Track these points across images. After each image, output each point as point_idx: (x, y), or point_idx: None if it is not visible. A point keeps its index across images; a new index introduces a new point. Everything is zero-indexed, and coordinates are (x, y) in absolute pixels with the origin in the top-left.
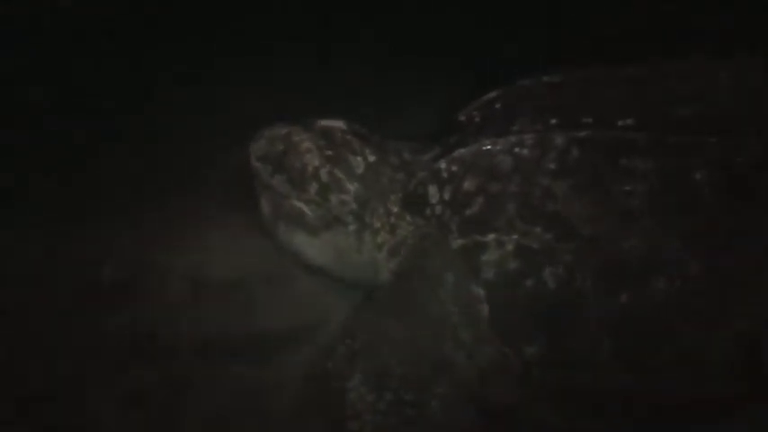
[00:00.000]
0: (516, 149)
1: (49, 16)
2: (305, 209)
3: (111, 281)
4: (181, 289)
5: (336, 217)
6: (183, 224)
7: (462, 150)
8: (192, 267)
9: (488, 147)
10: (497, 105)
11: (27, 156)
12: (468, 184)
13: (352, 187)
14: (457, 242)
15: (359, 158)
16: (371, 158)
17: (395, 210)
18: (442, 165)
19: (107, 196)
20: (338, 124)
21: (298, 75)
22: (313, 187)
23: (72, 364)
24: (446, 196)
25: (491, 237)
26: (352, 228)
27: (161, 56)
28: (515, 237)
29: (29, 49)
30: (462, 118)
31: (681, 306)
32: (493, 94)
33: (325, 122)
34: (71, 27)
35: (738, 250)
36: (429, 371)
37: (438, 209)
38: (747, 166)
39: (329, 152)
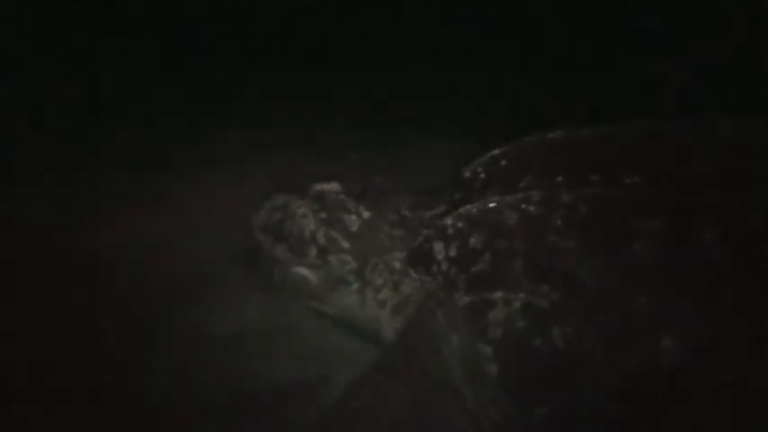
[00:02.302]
0: (523, 206)
1: None
2: (308, 274)
3: (113, 336)
4: (182, 343)
5: (339, 278)
6: (185, 279)
7: (468, 207)
8: (194, 322)
9: (495, 204)
10: (503, 162)
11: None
12: (474, 241)
13: (348, 245)
14: (463, 300)
15: (353, 216)
16: (366, 215)
17: (397, 267)
18: (448, 221)
19: (112, 249)
20: (333, 186)
21: (301, 131)
22: (312, 251)
23: (73, 419)
24: (452, 253)
25: (498, 294)
26: (354, 287)
27: (169, 118)
28: (523, 295)
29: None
30: (467, 174)
31: (692, 366)
32: (498, 151)
33: (319, 186)
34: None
35: (749, 311)
36: None
37: (444, 266)
38: (757, 224)
39: (323, 215)
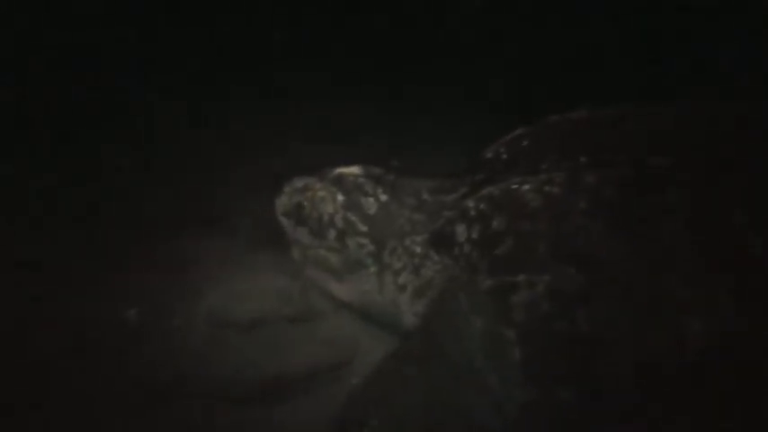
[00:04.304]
0: (546, 188)
1: None
2: (328, 256)
3: (136, 322)
4: (204, 330)
5: (356, 260)
6: (207, 265)
7: (491, 188)
8: (216, 308)
9: (517, 185)
10: (525, 142)
11: (56, 200)
12: (497, 223)
13: (365, 228)
14: (486, 283)
15: (371, 200)
16: (383, 198)
17: (418, 250)
18: (470, 203)
19: (133, 238)
20: (353, 170)
21: (328, 116)
22: (331, 234)
23: (94, 405)
24: (474, 235)
25: (521, 277)
26: (372, 269)
27: (192, 103)
28: (547, 278)
29: None
30: (489, 155)
31: (720, 349)
32: (520, 131)
33: (340, 170)
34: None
35: None
36: (449, 419)
37: (466, 248)
38: None
39: (342, 198)
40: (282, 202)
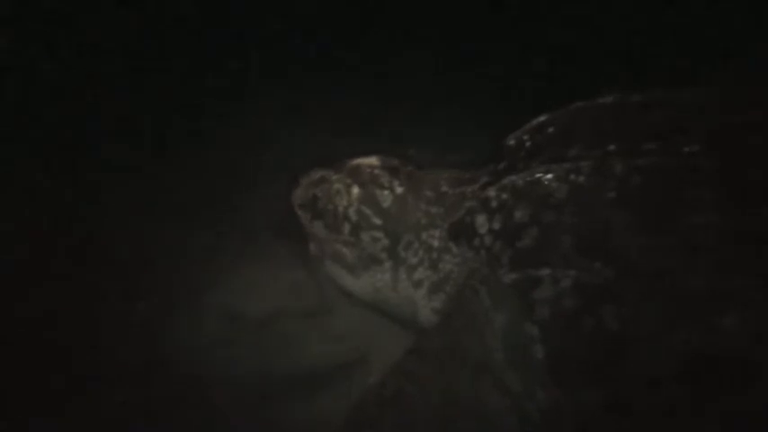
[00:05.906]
0: (572, 177)
1: None
2: (343, 250)
3: (146, 316)
4: (217, 324)
5: (371, 255)
6: (220, 259)
7: (513, 177)
8: (229, 302)
9: (542, 174)
10: (550, 129)
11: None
12: (520, 214)
13: (380, 222)
14: (508, 276)
15: (386, 192)
16: (399, 190)
17: (436, 244)
18: (492, 193)
19: (142, 230)
20: (371, 161)
21: (344, 106)
22: (346, 227)
23: (100, 403)
24: (496, 226)
25: (546, 271)
26: (387, 264)
27: (207, 94)
28: (572, 272)
29: None
30: (512, 142)
31: (755, 347)
32: (545, 117)
33: (356, 161)
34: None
35: None
36: (466, 420)
37: (487, 240)
38: None
39: (356, 190)
40: (299, 194)
